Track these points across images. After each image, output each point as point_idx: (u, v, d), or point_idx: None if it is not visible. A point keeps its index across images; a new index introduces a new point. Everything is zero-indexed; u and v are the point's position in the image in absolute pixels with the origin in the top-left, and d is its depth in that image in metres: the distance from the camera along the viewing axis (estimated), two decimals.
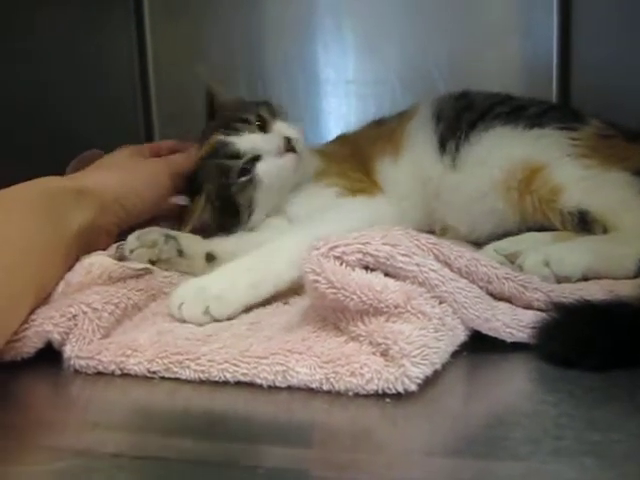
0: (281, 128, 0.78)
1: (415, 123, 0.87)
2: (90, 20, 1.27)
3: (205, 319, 0.57)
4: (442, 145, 0.83)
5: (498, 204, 0.77)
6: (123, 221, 0.70)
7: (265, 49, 1.42)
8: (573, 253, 0.66)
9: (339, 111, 1.37)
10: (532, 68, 1.17)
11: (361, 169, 0.86)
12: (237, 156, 0.76)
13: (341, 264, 0.48)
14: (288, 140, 0.76)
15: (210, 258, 0.69)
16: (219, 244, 0.71)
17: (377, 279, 0.47)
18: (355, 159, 0.88)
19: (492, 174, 0.77)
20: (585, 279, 0.64)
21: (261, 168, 0.76)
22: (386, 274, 0.48)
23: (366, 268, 0.48)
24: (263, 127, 0.79)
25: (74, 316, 0.54)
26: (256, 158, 0.76)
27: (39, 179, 0.63)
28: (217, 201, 0.77)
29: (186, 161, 0.79)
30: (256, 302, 0.60)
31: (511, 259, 0.69)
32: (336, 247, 0.48)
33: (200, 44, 1.44)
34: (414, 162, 0.85)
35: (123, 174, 0.71)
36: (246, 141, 0.76)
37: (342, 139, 0.95)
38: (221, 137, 0.77)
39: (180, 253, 0.68)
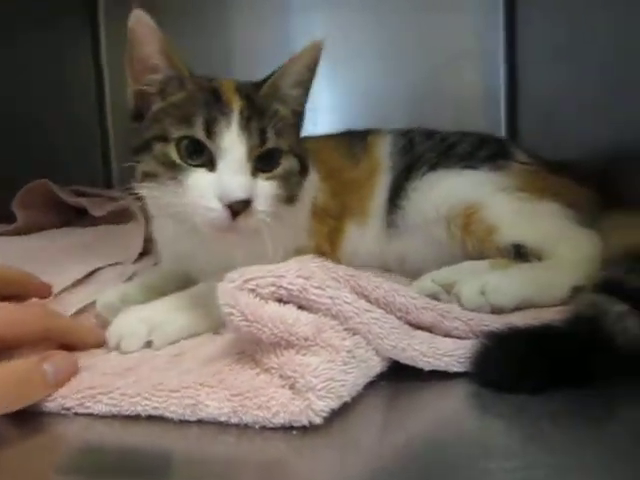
0: None
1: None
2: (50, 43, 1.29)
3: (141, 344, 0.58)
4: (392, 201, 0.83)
5: (442, 238, 0.77)
6: None
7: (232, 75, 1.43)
8: (508, 283, 0.66)
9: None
10: (483, 96, 1.20)
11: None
12: None
13: (255, 297, 0.48)
14: None
15: None
16: None
17: (289, 312, 0.47)
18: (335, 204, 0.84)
19: (436, 216, 0.77)
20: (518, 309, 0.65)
21: None
22: (300, 307, 0.48)
23: (280, 301, 0.48)
24: None
25: None
26: None
27: None
28: None
29: None
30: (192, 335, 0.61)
31: (448, 289, 0.68)
32: (250, 280, 0.48)
33: None
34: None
35: None
36: None
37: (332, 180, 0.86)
38: None
39: None
